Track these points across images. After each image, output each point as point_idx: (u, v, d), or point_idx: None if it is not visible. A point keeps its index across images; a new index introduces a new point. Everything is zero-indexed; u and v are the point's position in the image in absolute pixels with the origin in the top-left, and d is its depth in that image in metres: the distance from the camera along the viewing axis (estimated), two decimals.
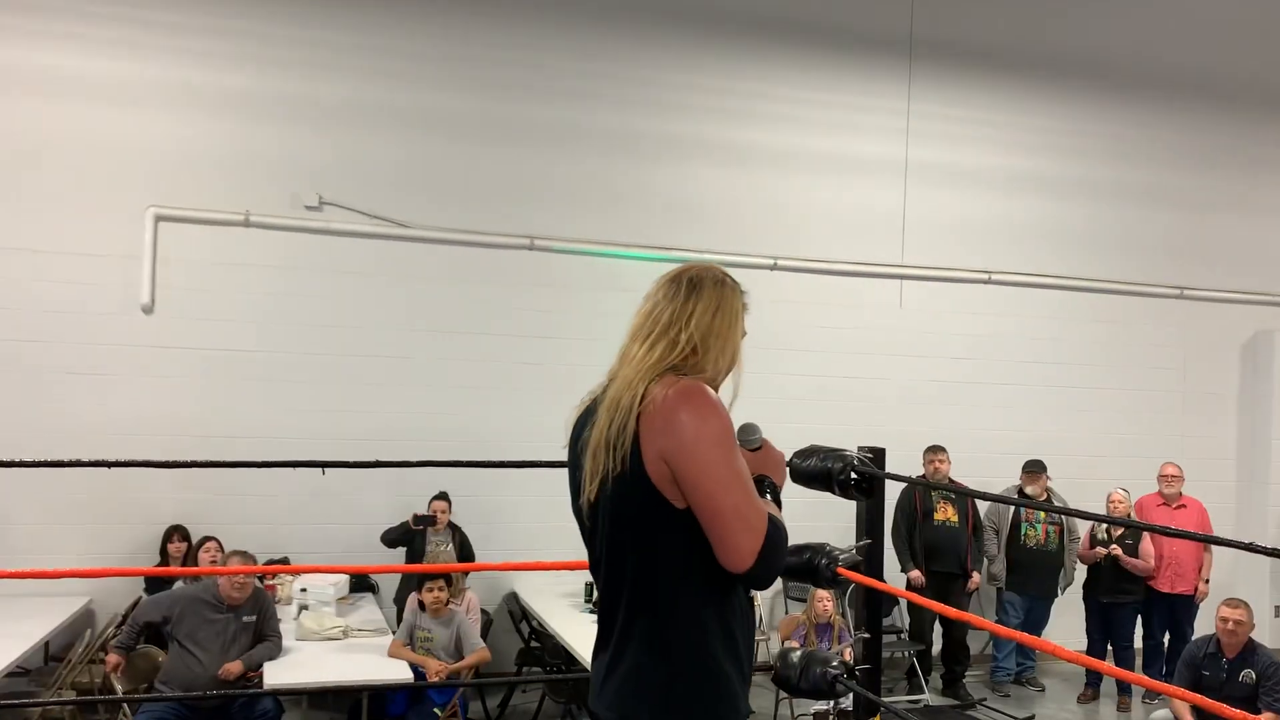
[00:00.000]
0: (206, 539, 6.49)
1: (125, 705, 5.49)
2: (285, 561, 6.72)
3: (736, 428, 2.03)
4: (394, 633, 5.95)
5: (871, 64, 8.42)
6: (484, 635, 6.42)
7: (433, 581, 5.76)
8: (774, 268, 8.07)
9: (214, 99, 7.13)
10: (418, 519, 6.73)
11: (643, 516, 1.91)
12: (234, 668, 5.28)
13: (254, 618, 5.49)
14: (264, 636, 5.52)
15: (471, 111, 7.62)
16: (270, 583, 6.48)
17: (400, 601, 6.58)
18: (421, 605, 5.79)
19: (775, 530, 1.90)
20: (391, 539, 6.76)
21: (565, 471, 2.14)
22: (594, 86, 7.87)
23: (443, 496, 6.93)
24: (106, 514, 6.76)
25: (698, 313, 1.99)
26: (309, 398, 7.20)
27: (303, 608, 6.19)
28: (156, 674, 5.49)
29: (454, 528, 6.95)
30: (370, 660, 5.56)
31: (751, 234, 8.10)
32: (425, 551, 6.72)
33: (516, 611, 7.28)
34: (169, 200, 6.99)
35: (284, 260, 7.21)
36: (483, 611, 6.90)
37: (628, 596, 1.97)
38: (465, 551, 6.91)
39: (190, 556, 6.56)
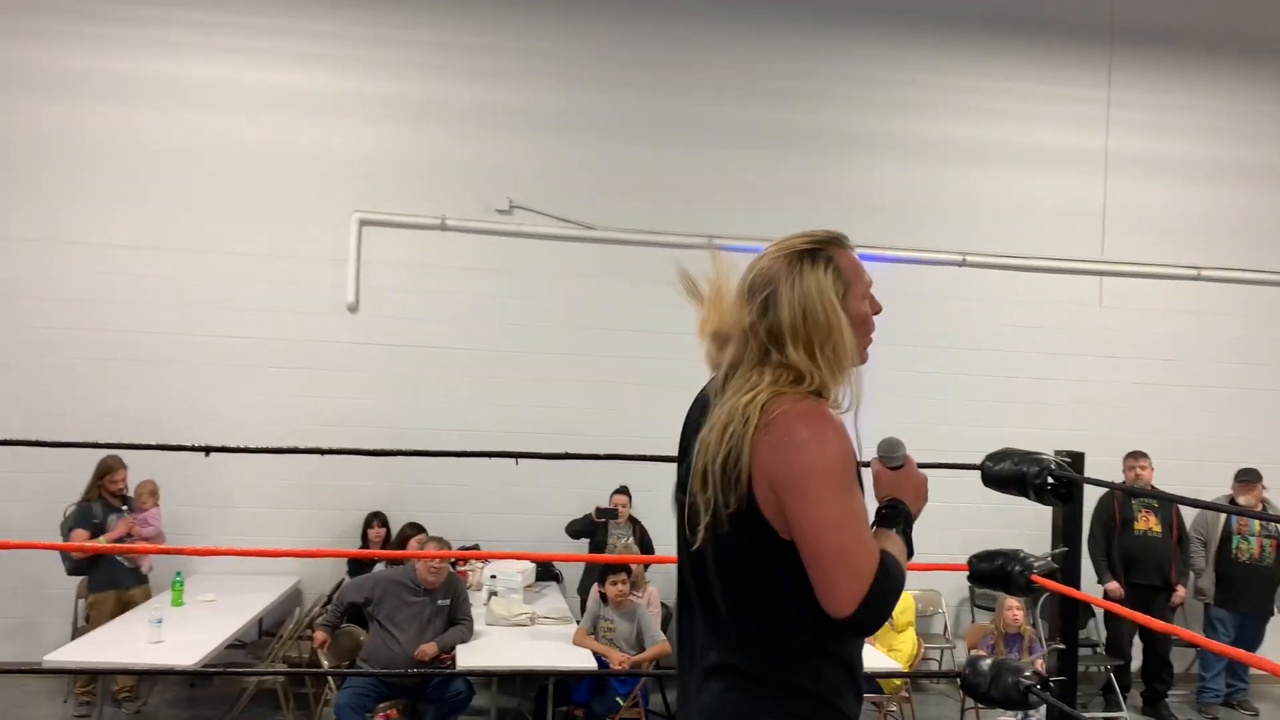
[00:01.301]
0: (417, 530, 6.78)
1: (330, 679, 5.84)
2: (476, 548, 7.00)
3: (878, 442, 1.89)
4: (578, 622, 6.11)
5: (1069, 51, 8.06)
6: (664, 628, 6.50)
7: (616, 574, 5.88)
8: (962, 264, 7.83)
9: (414, 110, 7.51)
10: (600, 511, 6.88)
11: (747, 545, 1.73)
12: (429, 649, 5.55)
13: (448, 602, 5.76)
14: (456, 620, 5.77)
15: (651, 113, 7.73)
16: (462, 569, 6.76)
17: (583, 591, 6.73)
18: (604, 597, 5.92)
19: (885, 576, 1.67)
20: (575, 530, 6.94)
21: None
22: (774, 84, 7.83)
23: (624, 490, 7.07)
24: (314, 500, 7.21)
25: (796, 301, 1.82)
26: (500, 393, 7.48)
27: (492, 594, 6.42)
28: (358, 651, 5.83)
29: (635, 521, 7.07)
30: (555, 647, 5.73)
31: (938, 229, 7.89)
32: (607, 544, 6.86)
33: None
34: (372, 205, 7.40)
35: (477, 261, 7.53)
36: (663, 605, 6.98)
37: (724, 624, 1.78)
38: (645, 545, 7.01)
39: (389, 542, 6.91)
